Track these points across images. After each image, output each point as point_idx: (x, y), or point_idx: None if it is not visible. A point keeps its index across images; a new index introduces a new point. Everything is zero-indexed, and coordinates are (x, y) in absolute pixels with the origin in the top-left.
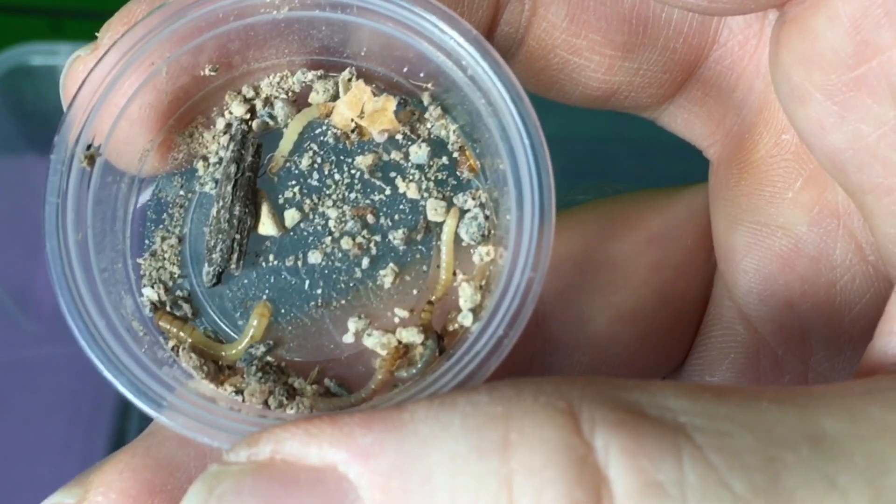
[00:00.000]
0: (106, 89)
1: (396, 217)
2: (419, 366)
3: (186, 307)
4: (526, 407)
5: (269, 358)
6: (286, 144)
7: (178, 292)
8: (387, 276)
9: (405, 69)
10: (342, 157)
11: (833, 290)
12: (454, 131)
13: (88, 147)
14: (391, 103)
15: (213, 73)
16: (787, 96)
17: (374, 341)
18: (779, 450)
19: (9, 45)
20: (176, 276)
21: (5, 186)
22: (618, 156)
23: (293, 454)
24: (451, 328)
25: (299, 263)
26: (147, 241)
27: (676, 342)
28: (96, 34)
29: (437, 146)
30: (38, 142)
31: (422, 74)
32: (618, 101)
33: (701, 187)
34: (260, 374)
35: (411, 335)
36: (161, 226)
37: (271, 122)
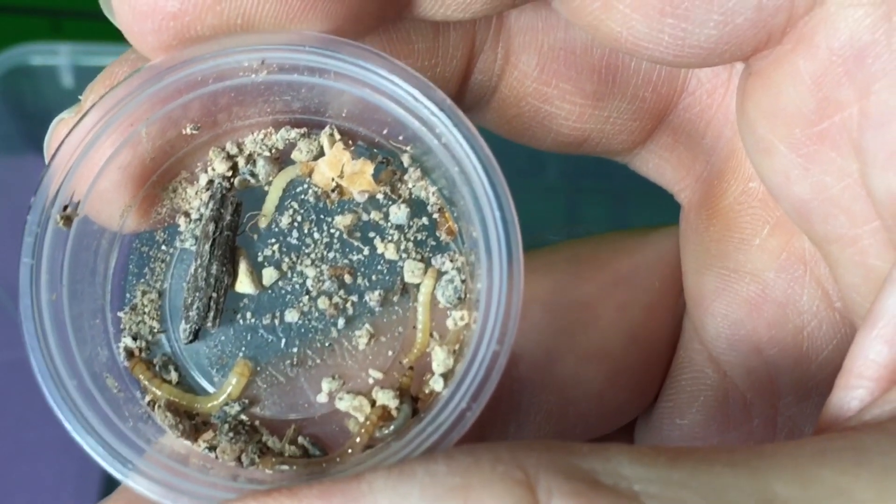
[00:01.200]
0: (85, 148)
1: (374, 277)
2: (391, 429)
3: (163, 362)
4: (484, 477)
5: (242, 416)
6: (271, 201)
7: (157, 347)
8: (362, 337)
9: (385, 131)
10: (322, 216)
11: (800, 335)
12: (434, 193)
13: (65, 208)
14: (369, 167)
15: (195, 132)
16: (753, 147)
17: (347, 404)
18: None
19: (9, 45)
20: (156, 330)
21: (5, 186)
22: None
23: None
24: (425, 391)
25: (276, 321)
26: (128, 295)
27: (646, 382)
28: (79, 97)
29: (417, 207)
30: (38, 142)
31: (401, 137)
32: (589, 146)
33: (670, 230)
34: (231, 434)
35: (387, 398)
36: (143, 280)
37: (252, 181)
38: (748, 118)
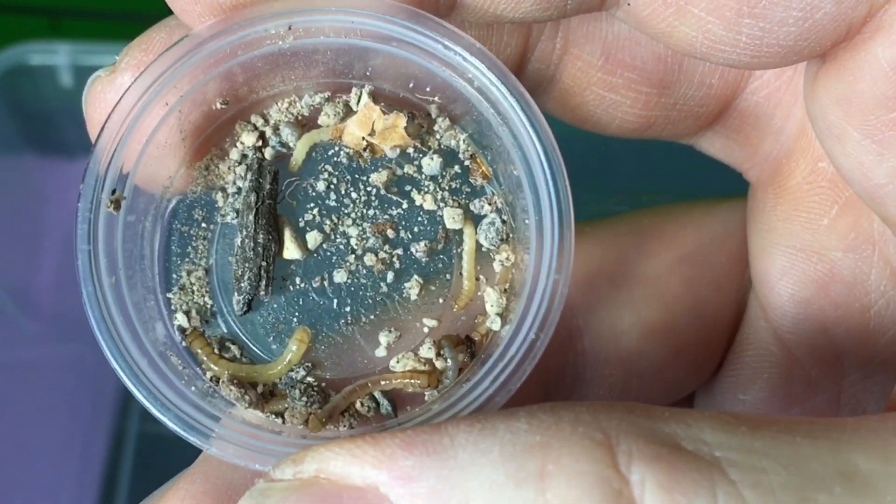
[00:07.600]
0: (129, 127)
1: (416, 229)
2: (448, 379)
3: (221, 336)
4: (564, 437)
5: (309, 379)
6: (296, 161)
7: (212, 323)
8: (412, 289)
9: (411, 84)
10: (357, 176)
11: (867, 314)
12: (464, 140)
13: (113, 192)
14: (402, 120)
15: (224, 106)
16: (825, 133)
17: (400, 367)
18: (812, 489)
19: (8, 44)
20: (208, 306)
21: (5, 186)
22: (618, 155)
23: (337, 473)
24: (479, 333)
25: (326, 283)
26: (175, 276)
27: (707, 357)
28: (116, 56)
29: (449, 156)
30: (37, 141)
31: (428, 89)
32: (654, 131)
33: (737, 204)
34: (304, 399)
35: (432, 354)
36: (187, 259)
37: (283, 150)
38: (819, 104)
